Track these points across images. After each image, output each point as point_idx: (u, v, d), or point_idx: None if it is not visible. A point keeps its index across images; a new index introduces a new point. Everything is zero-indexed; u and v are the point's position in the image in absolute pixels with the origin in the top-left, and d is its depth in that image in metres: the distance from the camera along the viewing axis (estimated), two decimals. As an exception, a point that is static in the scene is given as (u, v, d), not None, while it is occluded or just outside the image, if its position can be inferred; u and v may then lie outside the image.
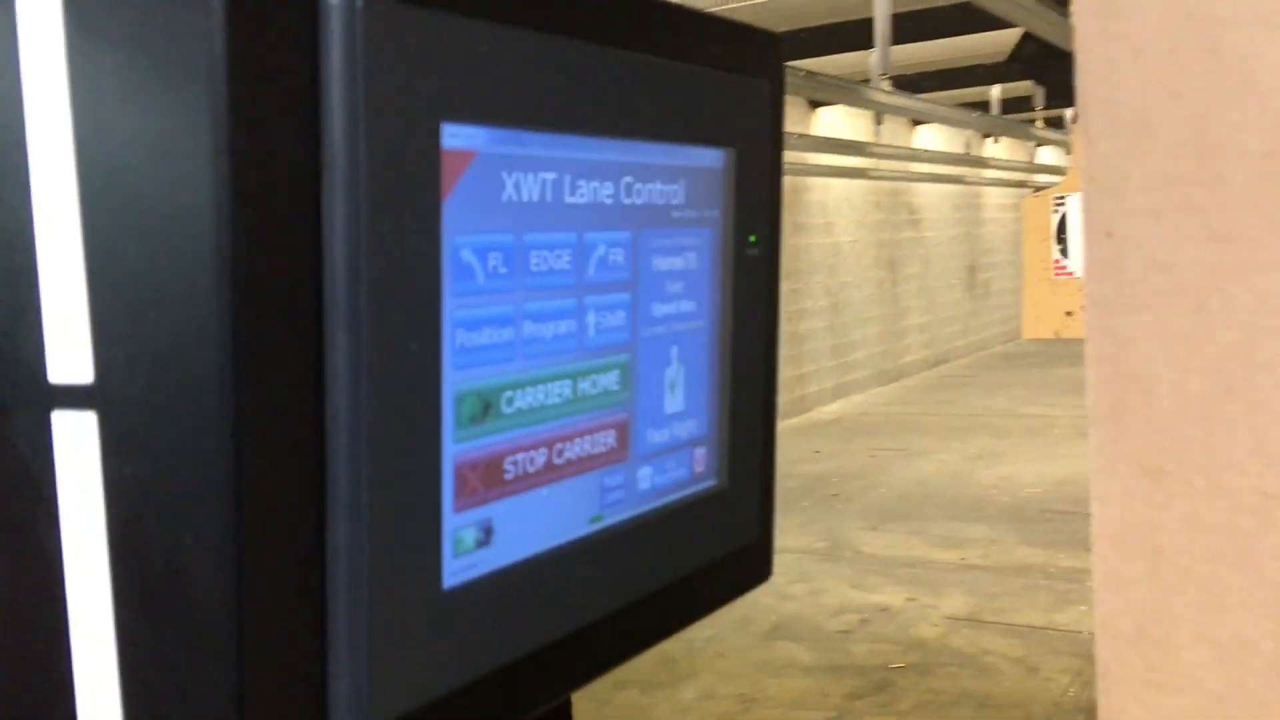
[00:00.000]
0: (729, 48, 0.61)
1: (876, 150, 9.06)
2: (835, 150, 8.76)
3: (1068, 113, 9.51)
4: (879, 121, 9.23)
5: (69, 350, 0.37)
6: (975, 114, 9.59)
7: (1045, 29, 4.52)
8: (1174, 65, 0.66)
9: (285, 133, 0.39)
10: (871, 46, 5.75)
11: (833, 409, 10.17)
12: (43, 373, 0.37)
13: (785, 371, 9.68)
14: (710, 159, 0.61)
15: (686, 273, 0.62)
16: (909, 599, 4.81)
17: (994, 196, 14.69)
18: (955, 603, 4.73)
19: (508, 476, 0.50)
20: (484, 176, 0.49)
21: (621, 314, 0.57)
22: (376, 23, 0.40)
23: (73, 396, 0.37)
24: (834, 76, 6.52)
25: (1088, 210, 0.71)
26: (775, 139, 0.67)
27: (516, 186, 0.51)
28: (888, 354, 11.75)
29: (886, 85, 5.84)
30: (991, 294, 14.47)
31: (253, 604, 0.38)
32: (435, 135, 0.45)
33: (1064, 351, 12.88)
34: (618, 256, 0.57)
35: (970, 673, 4.08)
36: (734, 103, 0.62)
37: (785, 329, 9.69)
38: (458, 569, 0.47)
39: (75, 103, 0.37)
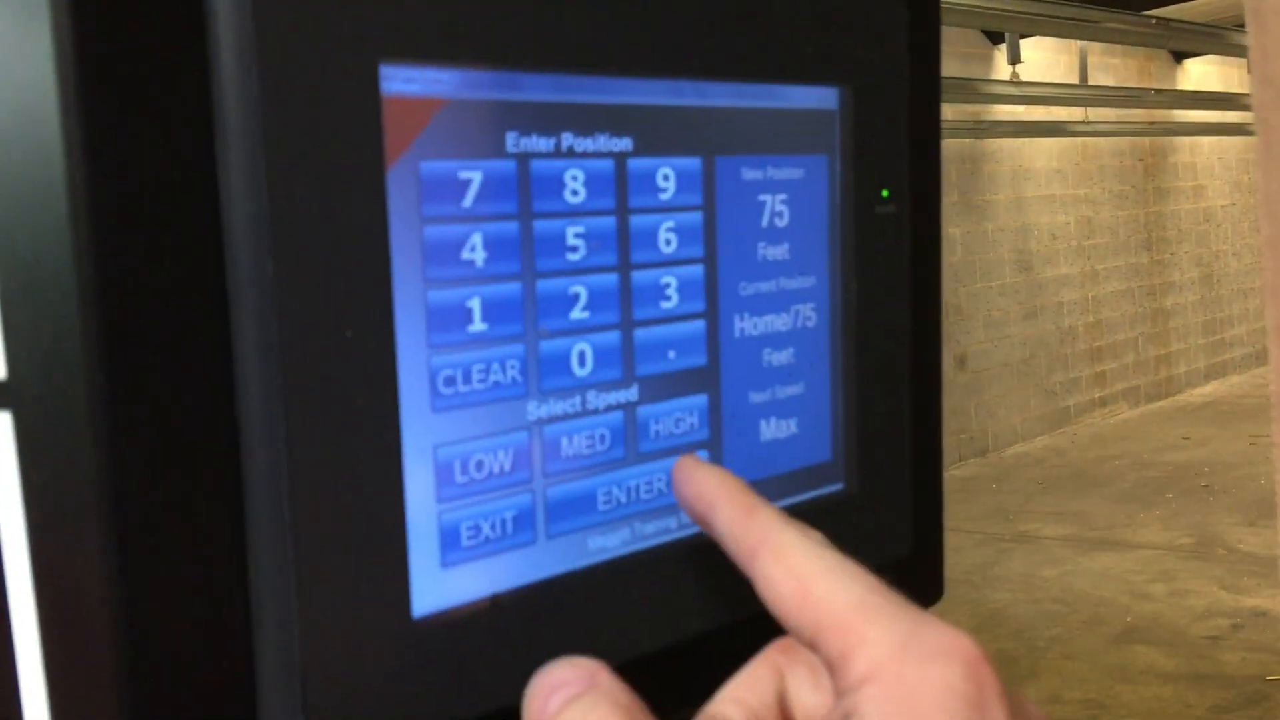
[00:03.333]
0: None
1: (1250, 101, 8.12)
2: (1201, 104, 7.95)
3: None
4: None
5: None
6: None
7: None
8: None
9: (162, 81, 0.32)
10: (1240, -15, 5.14)
11: (1205, 391, 9.25)
12: None
13: (1149, 351, 8.91)
14: (815, 98, 0.50)
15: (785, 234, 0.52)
16: (1292, 604, 4.27)
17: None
18: (1350, 610, 4.15)
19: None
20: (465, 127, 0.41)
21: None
22: None
23: None
24: (1197, 23, 5.90)
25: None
26: (919, 73, 0.54)
27: (518, 142, 0.42)
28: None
29: (1259, 27, 5.19)
30: (1403, 258, 12.69)
31: (145, 638, 0.32)
32: (371, 80, 0.37)
33: None
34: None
35: (1368, 692, 3.56)
36: (849, 29, 0.50)
37: (1145, 305, 8.93)
38: (442, 589, 0.39)
39: None
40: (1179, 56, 9.01)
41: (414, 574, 0.40)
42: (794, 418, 0.52)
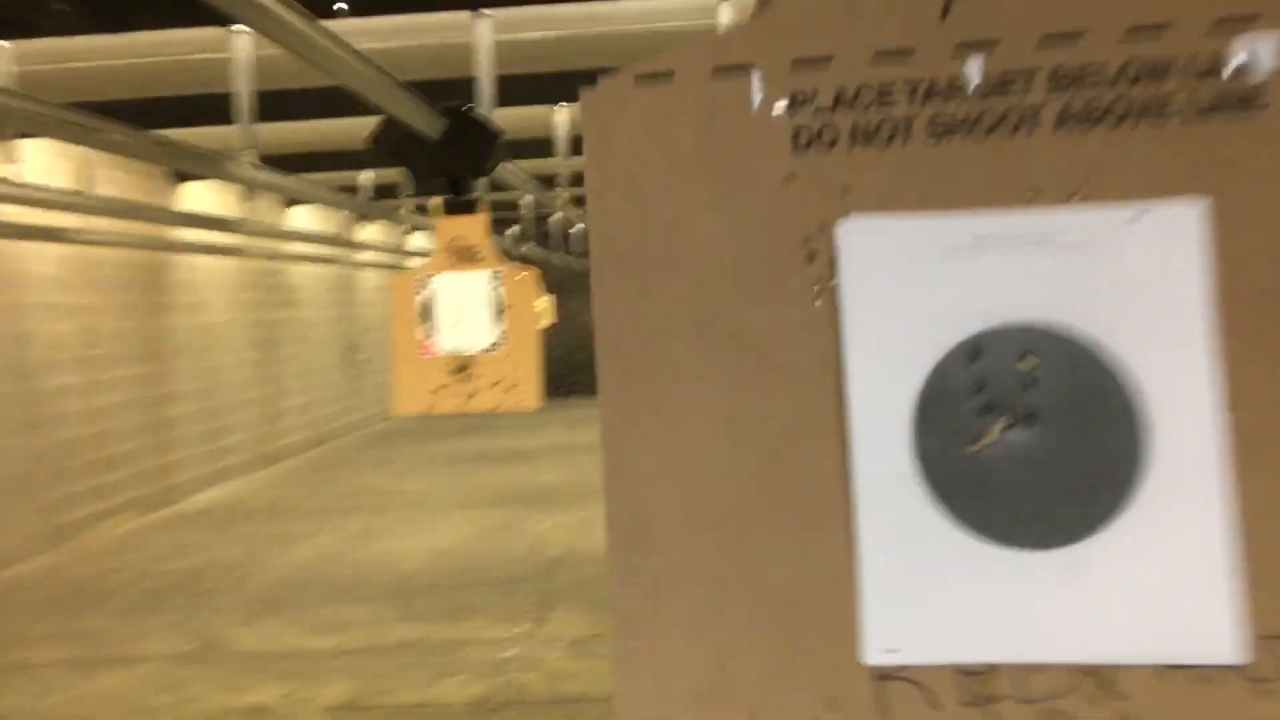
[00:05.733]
0: None
1: (247, 228, 8.79)
2: (201, 225, 8.36)
3: (430, 200, 9.95)
4: (248, 199, 9.00)
5: None
6: (346, 196, 9.70)
7: (408, 115, 4.65)
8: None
9: None
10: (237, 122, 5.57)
11: (205, 497, 9.59)
12: None
13: (150, 461, 8.97)
14: None
15: None
16: (285, 694, 4.59)
17: (369, 278, 14.92)
18: (335, 691, 4.59)
19: None
20: None
21: None
22: None
23: None
24: (199, 147, 6.22)
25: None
26: None
27: None
28: (266, 436, 11.37)
29: (253, 159, 5.67)
30: (369, 373, 14.63)
31: None
32: None
33: (437, 427, 13.32)
34: None
35: (350, 762, 3.96)
36: None
37: (149, 415, 9.01)
38: None
39: None
40: (181, 177, 9.37)
41: None
42: None
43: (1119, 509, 0.74)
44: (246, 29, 4.80)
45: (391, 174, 9.18)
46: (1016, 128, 0.76)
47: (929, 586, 0.76)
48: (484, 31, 4.72)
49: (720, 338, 0.80)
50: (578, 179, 9.97)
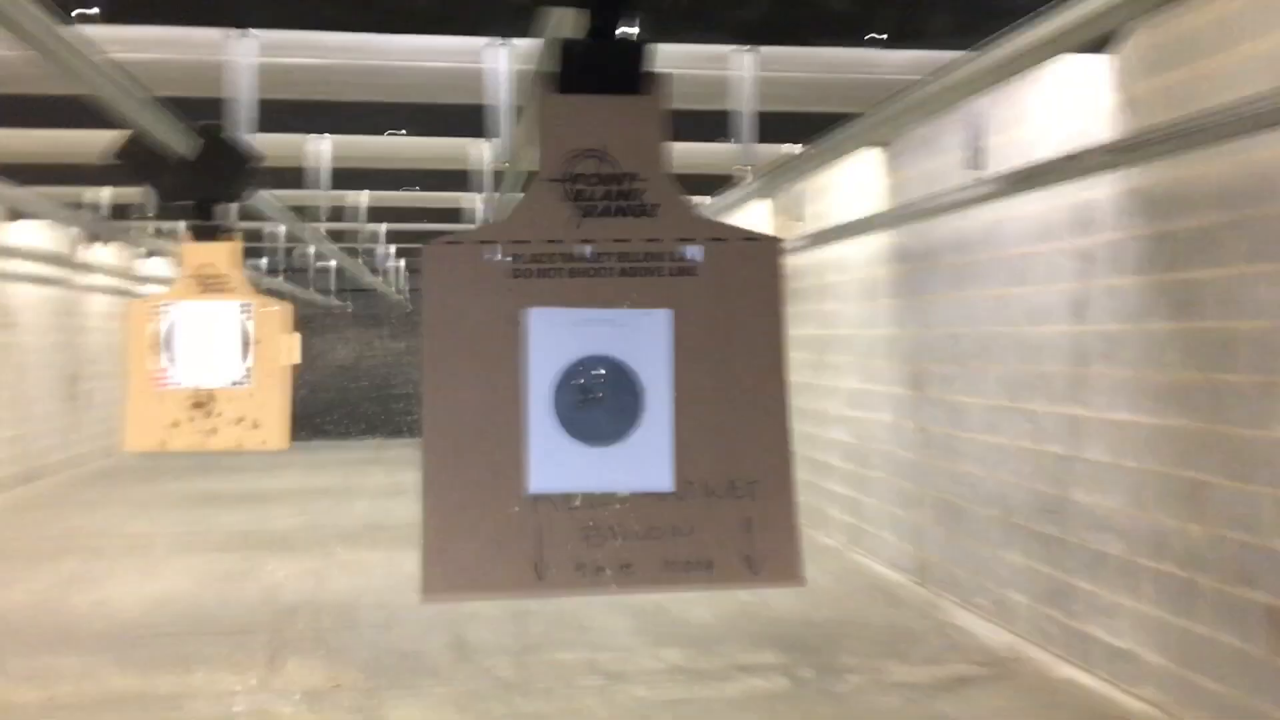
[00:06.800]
0: None
1: (-38, 240, 8.06)
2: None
3: (180, 224, 9.44)
4: (-34, 209, 8.26)
5: None
6: (80, 213, 9.08)
7: (158, 132, 4.40)
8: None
9: None
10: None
11: (-107, 535, 8.65)
12: None
13: None
14: None
15: None
16: (-20, 753, 4.16)
17: (99, 303, 13.99)
18: (38, 749, 4.20)
19: None
20: None
21: None
22: None
23: None
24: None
25: None
26: None
27: None
28: (-32, 470, 10.39)
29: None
30: (94, 405, 13.67)
31: None
32: None
33: (169, 465, 12.57)
34: None
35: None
36: None
37: None
38: None
39: None
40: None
41: None
42: None
43: (632, 429, 1.67)
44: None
45: (130, 193, 8.65)
46: (603, 275, 1.69)
47: (555, 460, 1.65)
48: (246, 52, 4.53)
49: (475, 354, 1.66)
50: (335, 214, 9.70)
